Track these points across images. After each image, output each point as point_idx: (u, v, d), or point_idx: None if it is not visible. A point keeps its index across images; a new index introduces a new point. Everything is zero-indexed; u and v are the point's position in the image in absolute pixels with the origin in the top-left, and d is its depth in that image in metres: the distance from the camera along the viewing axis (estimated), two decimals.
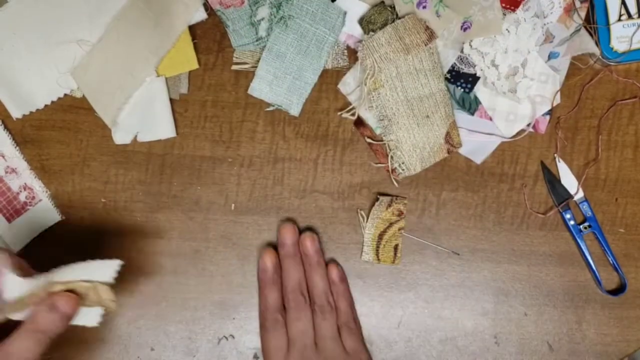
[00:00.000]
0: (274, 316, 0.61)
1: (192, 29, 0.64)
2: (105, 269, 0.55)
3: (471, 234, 0.66)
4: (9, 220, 0.64)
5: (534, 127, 0.65)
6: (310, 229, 0.65)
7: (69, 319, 0.52)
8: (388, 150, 0.64)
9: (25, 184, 0.64)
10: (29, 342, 0.50)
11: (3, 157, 0.63)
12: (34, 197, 0.64)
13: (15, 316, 0.53)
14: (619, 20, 0.63)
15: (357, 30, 0.64)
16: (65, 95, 0.64)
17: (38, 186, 0.64)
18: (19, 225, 0.64)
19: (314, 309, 0.62)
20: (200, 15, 0.63)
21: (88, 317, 0.55)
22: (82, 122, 0.65)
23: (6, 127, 0.64)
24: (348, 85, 0.64)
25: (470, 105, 0.64)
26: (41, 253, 0.65)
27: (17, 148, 0.64)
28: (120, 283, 0.66)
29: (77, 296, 0.53)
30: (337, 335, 0.61)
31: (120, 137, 0.64)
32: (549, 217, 0.65)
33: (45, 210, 0.65)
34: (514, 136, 0.65)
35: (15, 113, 0.64)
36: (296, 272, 0.63)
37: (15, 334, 0.50)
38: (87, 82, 0.62)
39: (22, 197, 0.64)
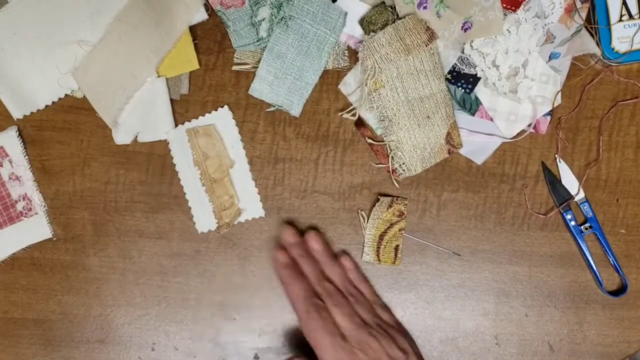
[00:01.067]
0: (314, 301, 0.60)
1: (193, 29, 0.64)
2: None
3: (472, 234, 0.66)
4: (0, 226, 0.64)
5: (534, 127, 0.65)
6: (312, 228, 0.65)
7: None
8: (389, 151, 0.64)
9: (25, 194, 0.64)
10: None
11: (11, 163, 0.64)
12: (30, 209, 0.64)
13: None
14: (620, 20, 0.63)
15: (358, 31, 0.64)
16: (66, 95, 0.64)
17: (37, 199, 0.64)
18: (9, 233, 0.64)
19: (345, 296, 0.61)
20: (201, 15, 0.63)
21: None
22: (82, 122, 0.65)
23: (20, 135, 0.64)
24: (349, 85, 0.64)
25: (471, 106, 0.64)
26: (38, 250, 0.66)
27: (27, 158, 0.64)
28: (121, 283, 0.66)
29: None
30: (376, 313, 0.62)
31: (121, 137, 0.64)
32: (550, 218, 0.65)
33: (38, 225, 0.65)
34: (514, 137, 0.64)
35: (16, 113, 0.64)
36: (313, 268, 0.62)
37: None
38: (87, 82, 0.62)
39: (20, 206, 0.64)
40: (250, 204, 0.65)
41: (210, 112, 0.64)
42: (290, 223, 0.65)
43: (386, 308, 0.64)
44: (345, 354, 0.57)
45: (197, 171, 0.64)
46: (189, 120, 0.65)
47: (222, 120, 0.64)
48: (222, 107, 0.64)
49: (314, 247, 0.64)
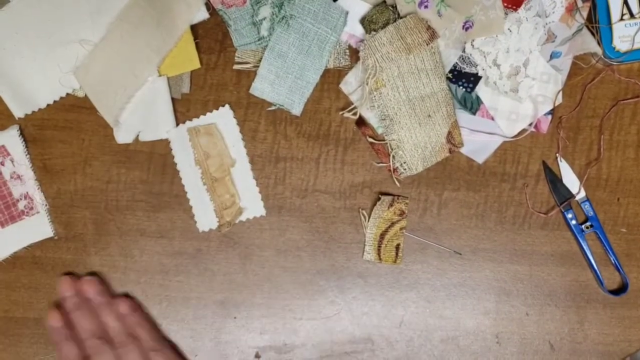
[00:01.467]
0: None
1: (194, 28, 0.64)
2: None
3: (473, 233, 0.66)
4: (2, 225, 0.64)
5: (535, 126, 0.65)
6: (91, 273, 0.65)
7: None
8: (390, 150, 0.64)
9: (27, 192, 0.64)
10: None
11: (12, 162, 0.64)
12: (32, 208, 0.64)
13: None
14: (621, 19, 0.63)
15: (359, 30, 0.64)
16: (68, 94, 0.64)
17: (39, 198, 0.64)
18: (10, 232, 0.64)
19: (115, 347, 0.61)
20: (202, 14, 0.63)
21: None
22: (84, 121, 0.65)
23: (22, 134, 0.64)
24: (350, 84, 0.65)
25: (472, 105, 0.64)
26: (40, 249, 0.66)
27: (28, 156, 0.64)
28: (122, 282, 0.66)
29: None
30: None
31: (122, 136, 0.64)
32: (551, 217, 0.65)
33: (40, 224, 0.65)
34: (515, 136, 0.64)
35: (18, 112, 0.64)
36: (85, 320, 0.62)
37: None
38: (89, 81, 0.62)
39: (21, 205, 0.64)
40: (252, 203, 0.65)
41: (211, 111, 0.64)
42: (68, 273, 0.65)
43: (162, 353, 0.62)
44: None
45: (198, 170, 0.64)
46: (190, 120, 0.65)
47: (223, 119, 0.64)
48: (223, 106, 0.64)
49: (89, 293, 0.64)
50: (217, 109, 0.65)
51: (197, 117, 0.65)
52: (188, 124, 0.64)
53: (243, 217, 0.65)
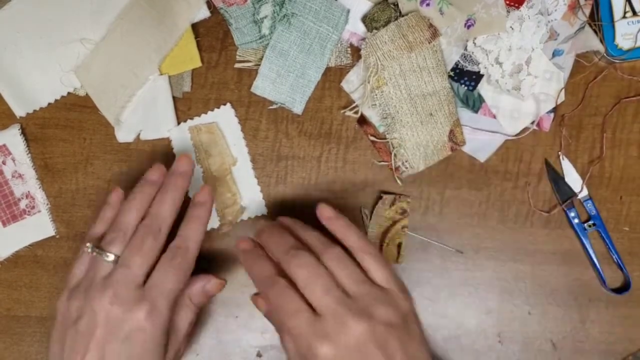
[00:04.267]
0: (276, 279, 0.50)
1: (195, 27, 0.64)
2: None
3: (475, 232, 0.65)
4: (4, 224, 0.64)
5: (538, 125, 0.64)
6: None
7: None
8: (391, 148, 0.64)
9: (28, 191, 0.64)
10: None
11: (13, 161, 0.64)
12: (33, 207, 0.64)
13: None
14: (624, 17, 0.63)
15: (361, 28, 0.63)
16: (69, 93, 0.64)
17: (40, 197, 0.64)
18: (12, 231, 0.64)
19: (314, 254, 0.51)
20: (203, 13, 0.63)
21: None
22: (85, 120, 0.65)
23: (23, 132, 0.64)
24: (351, 83, 0.64)
25: (474, 103, 0.64)
26: (41, 248, 0.66)
27: (29, 156, 0.64)
28: None
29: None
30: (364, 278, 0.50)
31: (123, 135, 0.64)
32: (553, 216, 0.65)
33: (41, 223, 0.65)
34: (518, 134, 0.64)
35: (19, 111, 0.64)
36: (280, 237, 0.54)
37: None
38: (90, 80, 0.62)
39: (23, 204, 0.64)
40: (253, 202, 0.65)
41: (212, 110, 0.64)
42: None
43: (380, 262, 0.51)
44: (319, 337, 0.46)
45: (200, 169, 0.64)
46: (192, 118, 0.65)
47: (224, 118, 0.64)
48: (224, 104, 0.64)
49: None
50: (218, 107, 0.64)
51: (198, 115, 0.64)
52: (189, 122, 0.64)
53: (244, 216, 0.65)
